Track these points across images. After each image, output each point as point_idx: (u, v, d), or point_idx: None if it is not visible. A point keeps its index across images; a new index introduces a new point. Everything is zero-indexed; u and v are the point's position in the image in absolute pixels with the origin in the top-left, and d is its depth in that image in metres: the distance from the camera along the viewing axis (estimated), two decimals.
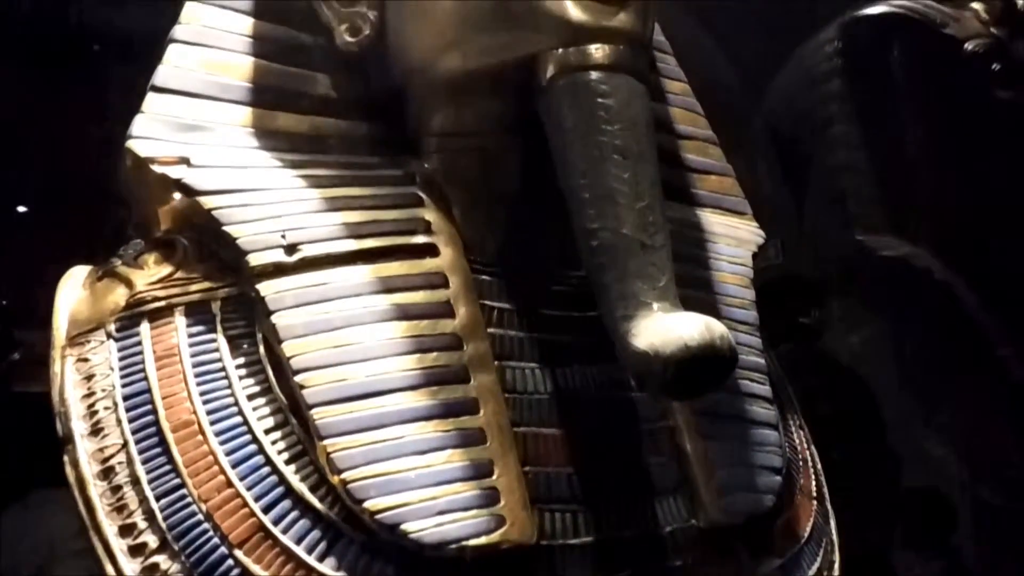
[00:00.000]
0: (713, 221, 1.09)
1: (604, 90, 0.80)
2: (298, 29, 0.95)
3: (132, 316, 0.78)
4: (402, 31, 0.93)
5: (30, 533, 1.36)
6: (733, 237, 1.09)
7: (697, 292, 0.98)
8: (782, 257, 1.90)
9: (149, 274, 0.81)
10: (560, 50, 0.81)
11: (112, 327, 0.78)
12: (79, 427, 0.73)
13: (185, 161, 0.82)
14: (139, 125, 0.83)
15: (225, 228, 0.79)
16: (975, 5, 1.61)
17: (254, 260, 0.78)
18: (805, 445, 1.06)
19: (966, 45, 1.53)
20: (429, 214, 0.87)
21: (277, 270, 0.78)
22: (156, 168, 0.81)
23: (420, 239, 0.85)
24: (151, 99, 0.85)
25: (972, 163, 1.47)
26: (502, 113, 0.88)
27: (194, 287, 0.80)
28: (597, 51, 0.81)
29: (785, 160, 1.67)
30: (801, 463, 1.03)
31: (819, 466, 1.07)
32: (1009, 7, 1.58)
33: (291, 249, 0.79)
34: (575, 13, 0.82)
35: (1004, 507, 1.44)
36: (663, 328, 0.71)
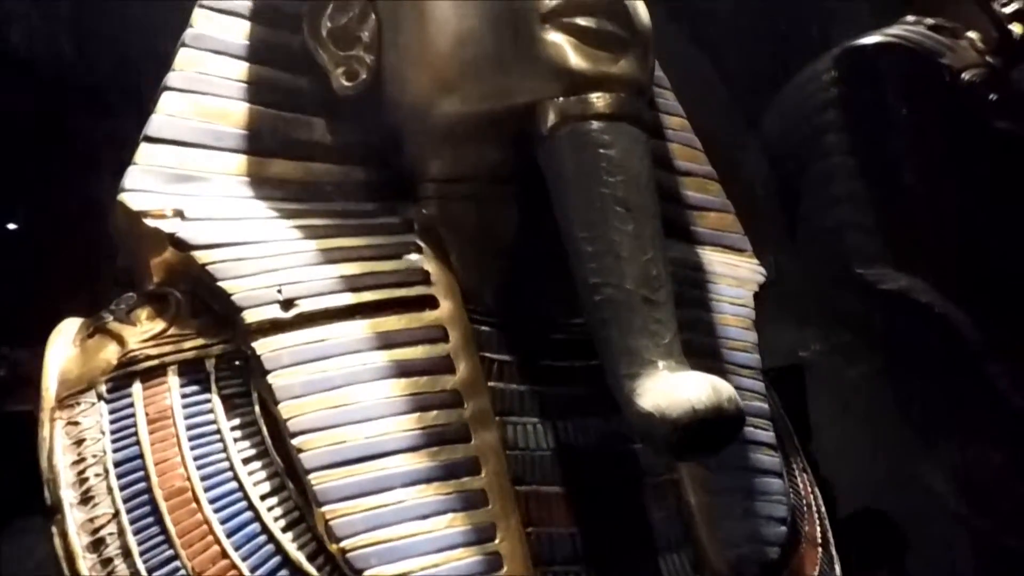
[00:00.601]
0: (714, 260, 1.09)
1: (605, 140, 0.79)
2: (294, 73, 0.94)
3: (124, 376, 0.76)
4: (399, 75, 0.92)
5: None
6: (734, 277, 1.08)
7: (699, 336, 0.97)
8: (775, 273, 1.90)
9: (141, 331, 0.79)
10: (560, 99, 0.80)
11: (103, 388, 0.75)
12: (68, 495, 0.71)
13: (179, 214, 0.80)
14: (131, 177, 0.81)
15: (219, 284, 0.77)
16: (971, 34, 1.61)
17: (249, 317, 0.76)
18: (808, 488, 1.05)
19: (963, 75, 1.53)
20: (427, 263, 0.86)
21: (273, 327, 0.77)
22: (148, 222, 0.80)
23: (418, 290, 0.84)
24: (144, 150, 0.83)
25: (970, 193, 1.47)
26: (501, 159, 0.87)
27: (188, 344, 0.78)
28: (598, 100, 0.80)
29: (783, 187, 1.66)
30: (805, 508, 1.02)
31: (823, 509, 1.06)
32: (1005, 36, 1.58)
33: (287, 304, 0.78)
34: (575, 61, 0.81)
35: (1004, 542, 1.43)
36: (669, 389, 0.70)
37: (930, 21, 1.62)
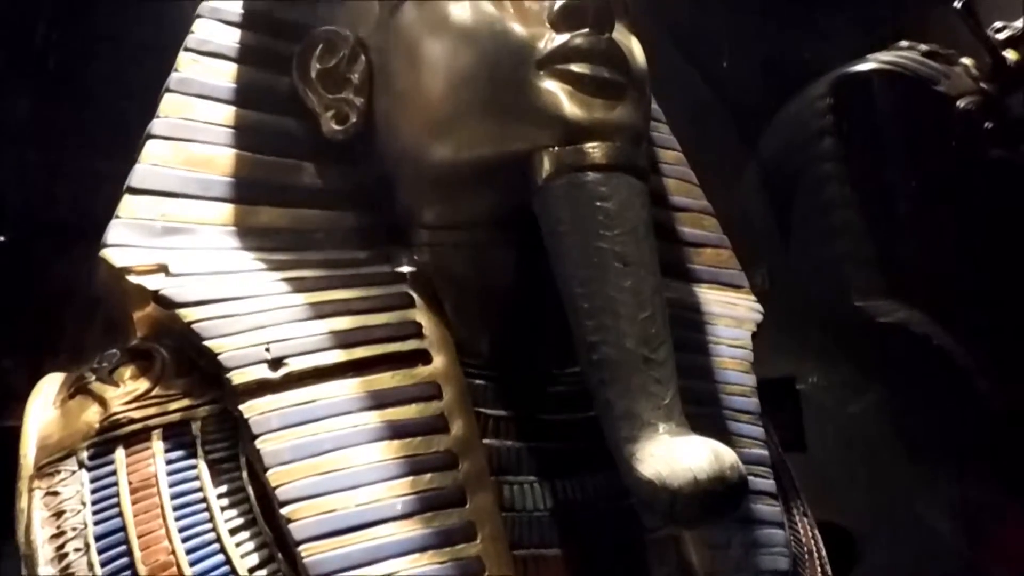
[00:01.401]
0: (710, 299, 1.07)
1: (603, 192, 0.77)
2: (283, 115, 0.92)
3: (106, 441, 0.73)
4: (391, 119, 0.89)
5: None
6: (732, 317, 1.06)
7: (697, 382, 0.95)
8: (768, 284, 1.89)
9: (125, 391, 0.76)
10: (556, 148, 0.79)
11: (84, 455, 0.72)
12: (47, 572, 0.68)
13: (163, 269, 0.78)
14: (114, 232, 0.79)
15: (206, 343, 0.75)
16: (965, 60, 1.61)
17: (237, 378, 0.74)
18: (809, 533, 1.03)
19: (958, 103, 1.52)
20: (420, 316, 0.84)
21: (261, 387, 0.74)
22: (132, 278, 0.77)
23: (412, 345, 0.81)
24: (127, 202, 0.81)
25: (967, 222, 1.46)
26: (495, 207, 0.85)
27: (173, 405, 0.75)
28: (594, 150, 0.79)
29: (778, 214, 1.65)
30: (807, 555, 1.00)
31: (823, 553, 1.04)
32: (999, 63, 1.58)
33: (276, 364, 0.75)
34: (571, 109, 0.79)
35: None
36: (670, 456, 0.68)
37: (924, 47, 1.61)
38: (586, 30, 0.81)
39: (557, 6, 0.82)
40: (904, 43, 1.67)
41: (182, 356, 0.79)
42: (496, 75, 0.81)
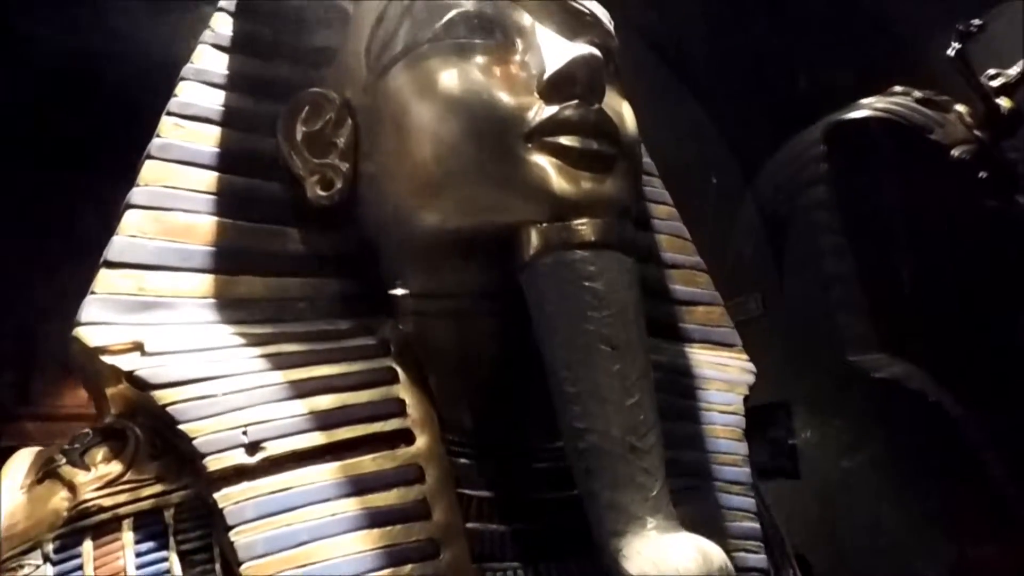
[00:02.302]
0: (702, 361, 1.05)
1: (591, 272, 0.76)
2: (266, 179, 0.90)
3: (73, 532, 0.70)
4: (377, 184, 0.88)
5: None
6: (724, 380, 1.04)
7: (687, 453, 0.93)
8: (763, 309, 1.87)
9: (95, 476, 0.73)
10: (543, 224, 0.77)
11: (50, 547, 0.69)
12: None
13: (138, 347, 0.76)
14: (88, 309, 0.77)
15: (181, 426, 0.73)
16: (959, 108, 1.60)
17: (213, 464, 0.71)
18: None
19: (952, 152, 1.51)
20: (404, 392, 0.81)
21: (238, 473, 0.72)
22: (106, 359, 0.75)
23: (394, 424, 0.79)
24: (103, 276, 0.79)
25: (963, 273, 1.44)
26: (481, 278, 0.83)
27: (146, 492, 0.72)
28: (582, 227, 0.77)
29: (775, 257, 1.63)
30: None
31: None
32: (992, 111, 1.57)
33: (253, 448, 0.73)
34: (559, 184, 0.78)
35: None
36: (657, 556, 0.65)
37: (918, 94, 1.61)
38: (575, 101, 0.80)
39: (547, 76, 0.81)
40: (898, 88, 1.67)
41: (156, 435, 0.76)
42: (484, 146, 0.80)
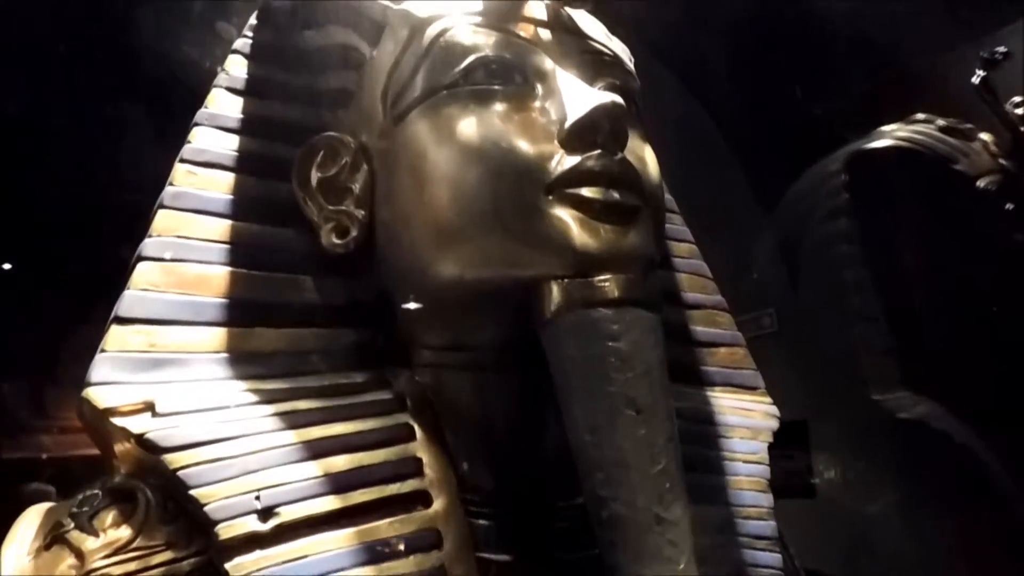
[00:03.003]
0: (725, 407, 1.03)
1: (614, 331, 0.73)
2: (280, 225, 0.88)
3: None
4: (393, 232, 0.86)
5: None
6: (747, 427, 1.02)
7: (710, 508, 0.91)
8: (777, 326, 1.84)
9: (105, 543, 0.71)
10: (565, 280, 0.75)
11: None
12: None
13: (149, 407, 0.74)
14: (98, 369, 0.75)
15: (193, 492, 0.71)
16: (983, 136, 1.57)
17: (225, 532, 0.69)
18: None
19: (978, 183, 1.48)
20: (421, 450, 0.79)
21: (250, 541, 0.70)
22: (116, 420, 0.73)
23: (411, 485, 0.77)
24: (114, 334, 0.77)
25: (989, 308, 1.40)
26: (500, 331, 0.81)
27: (156, 559, 0.70)
28: (605, 284, 0.74)
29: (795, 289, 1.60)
30: None
31: None
32: (1018, 139, 1.54)
33: (266, 514, 0.71)
34: (581, 238, 0.75)
35: None
36: None
37: (941, 122, 1.57)
38: (597, 152, 0.78)
39: (568, 125, 0.79)
40: (920, 116, 1.64)
41: (167, 497, 0.74)
42: (503, 196, 0.78)
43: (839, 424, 1.45)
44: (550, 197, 0.77)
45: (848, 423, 1.44)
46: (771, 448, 1.01)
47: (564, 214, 0.76)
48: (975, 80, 1.51)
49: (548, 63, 0.85)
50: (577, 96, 0.81)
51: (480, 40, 0.84)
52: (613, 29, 1.02)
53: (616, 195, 0.78)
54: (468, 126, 0.80)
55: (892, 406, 1.39)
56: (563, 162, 0.78)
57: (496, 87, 0.82)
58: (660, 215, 0.86)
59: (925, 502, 1.35)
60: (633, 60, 1.08)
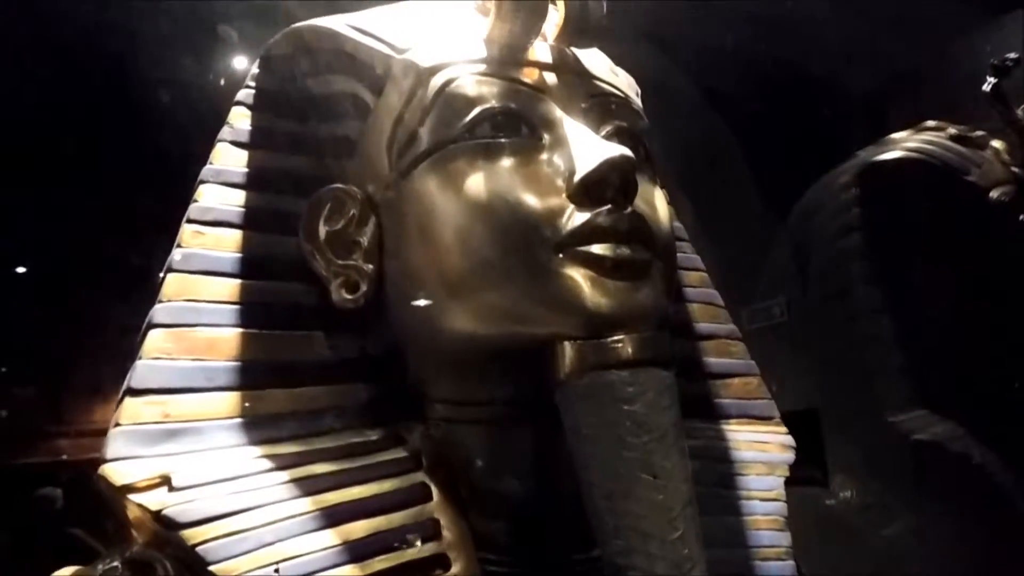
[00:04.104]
0: (740, 441, 1.02)
1: (629, 394, 0.73)
2: (289, 280, 0.88)
3: None
4: (402, 286, 0.85)
5: None
6: (764, 462, 1.01)
7: (728, 551, 0.91)
8: (787, 315, 1.83)
9: None
10: (577, 341, 0.74)
11: None
12: None
13: (166, 481, 0.74)
14: (113, 444, 0.75)
15: (212, 567, 0.71)
16: (995, 144, 1.54)
17: None
18: None
19: (991, 194, 1.45)
20: (438, 510, 0.79)
21: None
22: (133, 497, 0.73)
23: (429, 549, 0.77)
24: (128, 406, 0.77)
25: (1005, 324, 1.38)
26: (513, 386, 0.80)
27: None
28: (618, 344, 0.74)
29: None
30: None
31: None
32: None
33: None
34: (592, 299, 0.75)
35: None
36: None
37: (952, 130, 1.55)
38: (607, 207, 0.77)
39: (577, 179, 0.78)
40: (930, 123, 1.61)
41: (185, 568, 0.74)
42: (513, 255, 0.77)
43: (855, 445, 1.44)
44: (560, 255, 0.76)
45: (864, 444, 1.42)
46: None
47: (575, 273, 0.75)
48: (986, 87, 1.48)
49: (555, 111, 0.84)
50: (585, 148, 0.80)
51: (485, 90, 0.83)
52: (619, 60, 1.01)
53: (627, 251, 0.77)
54: (475, 182, 0.79)
55: (908, 427, 1.38)
56: (573, 218, 0.77)
57: (502, 140, 0.81)
58: (671, 264, 0.86)
59: (943, 525, 1.33)
60: (640, 93, 1.07)
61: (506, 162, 0.80)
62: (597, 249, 0.76)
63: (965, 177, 1.47)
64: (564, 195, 0.78)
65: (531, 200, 0.78)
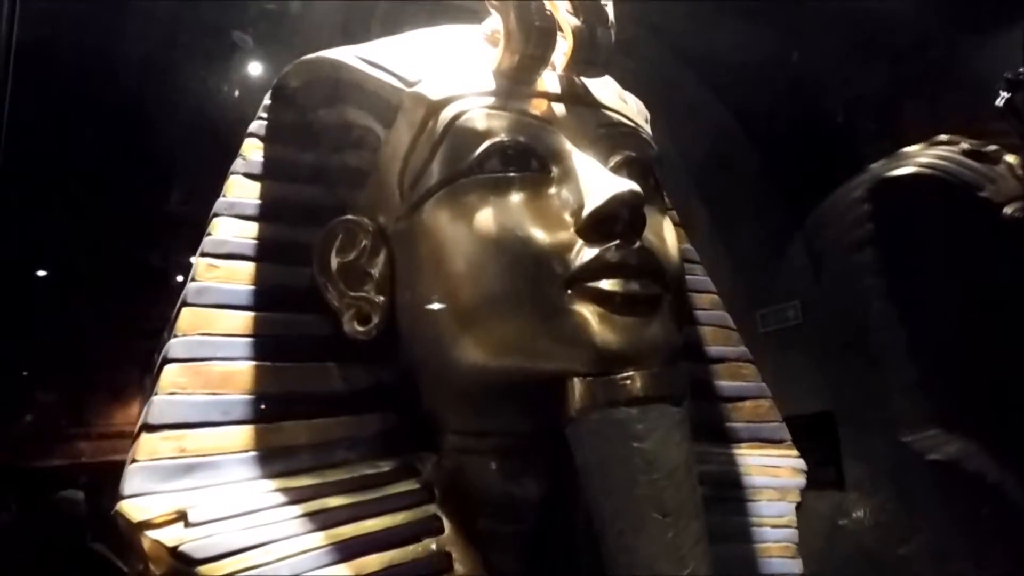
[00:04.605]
0: (752, 466, 1.02)
1: (639, 431, 0.73)
2: (302, 311, 0.89)
3: None
4: (414, 318, 0.86)
5: None
6: (775, 487, 1.02)
7: None
8: (802, 318, 1.82)
9: None
10: (588, 378, 0.75)
11: None
12: None
13: (182, 516, 0.75)
14: (130, 481, 0.76)
15: None
16: (1009, 158, 1.53)
17: None
18: None
19: (1004, 209, 1.44)
20: (450, 543, 0.80)
21: None
22: (150, 534, 0.74)
23: None
24: (144, 442, 0.78)
25: (1016, 338, 1.37)
26: (525, 418, 0.81)
27: None
28: (627, 382, 0.74)
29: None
30: None
31: None
32: None
33: None
34: (602, 336, 0.75)
35: None
36: None
37: (966, 145, 1.54)
38: (616, 242, 0.78)
39: (586, 215, 0.78)
40: (943, 137, 1.60)
41: None
42: (523, 290, 0.78)
43: (868, 462, 1.43)
44: (570, 292, 0.77)
45: (878, 462, 1.42)
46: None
47: (584, 310, 0.76)
48: (999, 102, 1.47)
49: (564, 143, 0.84)
50: (594, 182, 0.81)
51: (494, 124, 0.83)
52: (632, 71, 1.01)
53: (636, 286, 0.77)
54: (486, 217, 0.80)
55: (922, 447, 1.37)
56: (582, 254, 0.77)
57: (512, 174, 0.82)
58: (682, 295, 0.86)
59: (960, 543, 1.32)
60: (649, 117, 1.08)
61: (516, 197, 0.81)
62: (606, 285, 0.76)
63: (978, 193, 1.46)
64: (573, 229, 0.79)
65: (540, 235, 0.79)
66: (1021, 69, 1.47)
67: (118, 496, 0.75)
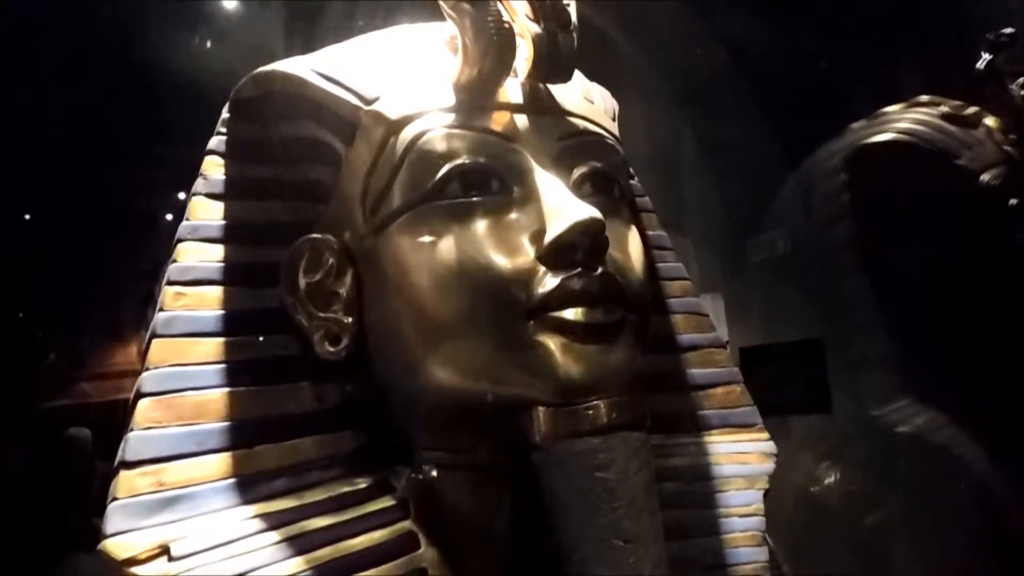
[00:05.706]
0: (721, 455, 1.05)
1: (600, 461, 0.76)
2: (272, 332, 0.90)
3: None
4: (382, 337, 0.87)
5: None
6: (743, 476, 1.05)
7: (708, 572, 0.95)
8: (791, 247, 1.85)
9: None
10: (551, 408, 0.77)
11: None
12: None
13: (165, 551, 0.77)
14: (112, 520, 0.78)
15: None
16: (988, 121, 1.51)
17: None
18: None
19: (982, 177, 1.43)
20: (426, 559, 0.83)
21: None
22: (136, 570, 0.76)
23: None
24: (123, 479, 0.79)
25: (992, 313, 1.38)
26: (491, 439, 0.83)
27: None
28: (590, 412, 0.76)
29: None
30: None
31: None
32: (1020, 122, 1.48)
33: None
34: (564, 366, 0.77)
35: None
36: None
37: (945, 108, 1.51)
38: (578, 270, 0.78)
39: (547, 242, 0.79)
40: (924, 98, 1.58)
41: None
42: (485, 319, 0.79)
43: (839, 433, 1.47)
44: (532, 322, 0.78)
45: (847, 434, 1.46)
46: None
47: (548, 340, 0.77)
48: (980, 64, 1.44)
49: (526, 161, 0.84)
50: (556, 206, 0.80)
51: (455, 145, 0.82)
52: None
53: (599, 314, 0.78)
54: (447, 245, 0.80)
55: (891, 420, 1.40)
56: (544, 283, 0.78)
57: (474, 199, 0.82)
58: (645, 313, 0.87)
59: (924, 514, 1.37)
60: (617, 112, 1.06)
61: (477, 223, 0.81)
62: (569, 315, 0.77)
63: (955, 160, 1.45)
64: (534, 256, 0.79)
65: (502, 262, 0.79)
66: (1002, 31, 1.43)
67: (102, 535, 0.78)
